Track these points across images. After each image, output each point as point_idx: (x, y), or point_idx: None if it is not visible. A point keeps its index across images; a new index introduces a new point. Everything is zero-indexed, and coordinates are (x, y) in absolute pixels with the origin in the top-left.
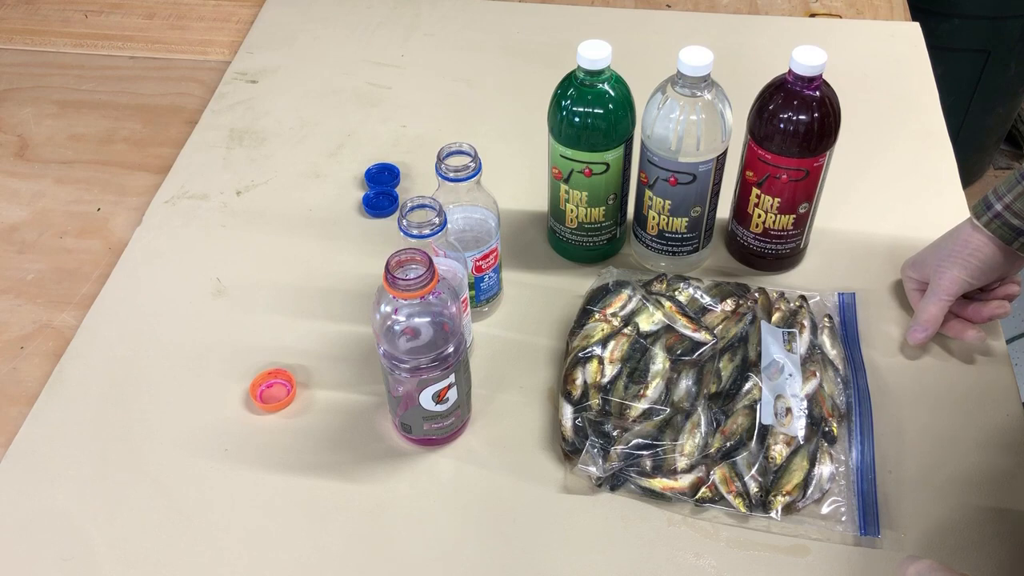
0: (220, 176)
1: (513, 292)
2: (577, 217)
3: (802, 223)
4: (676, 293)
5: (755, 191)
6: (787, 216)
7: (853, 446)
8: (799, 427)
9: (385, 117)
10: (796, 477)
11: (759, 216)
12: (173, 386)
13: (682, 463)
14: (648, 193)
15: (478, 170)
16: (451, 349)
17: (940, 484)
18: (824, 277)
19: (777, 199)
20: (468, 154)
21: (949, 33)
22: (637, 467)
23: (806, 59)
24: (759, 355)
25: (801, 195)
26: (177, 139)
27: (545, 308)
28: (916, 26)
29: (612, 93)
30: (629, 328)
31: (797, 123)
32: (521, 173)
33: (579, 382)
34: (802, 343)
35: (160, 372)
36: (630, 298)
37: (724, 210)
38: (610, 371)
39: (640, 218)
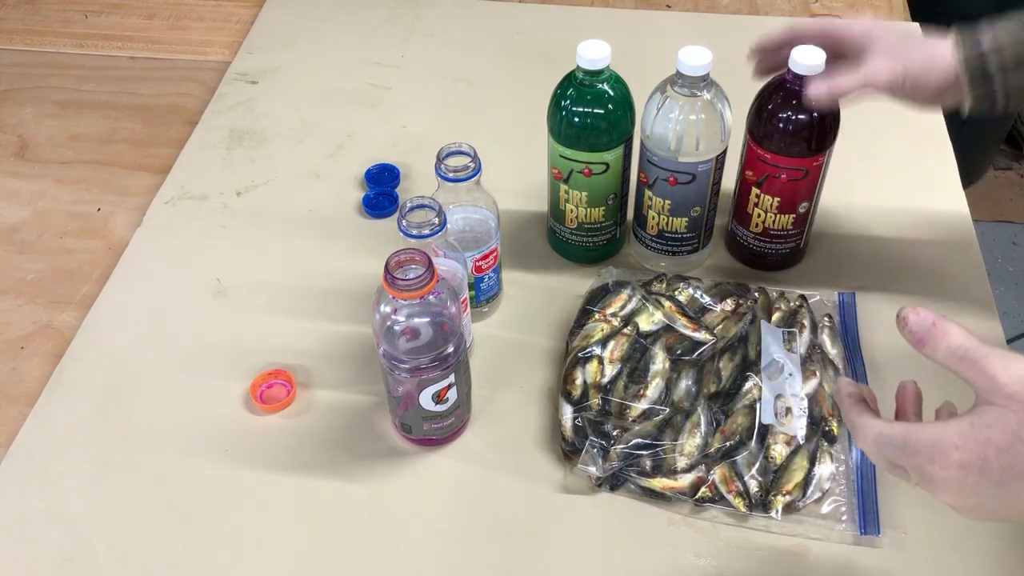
0: (220, 176)
1: (513, 292)
2: (577, 217)
3: (802, 223)
4: (676, 293)
5: (755, 191)
6: (787, 216)
7: (853, 445)
8: (799, 427)
9: (385, 117)
10: (796, 477)
11: (759, 216)
12: (173, 386)
13: (682, 463)
14: (648, 193)
15: (478, 170)
16: (451, 349)
17: None
18: (824, 277)
19: (777, 199)
20: (468, 154)
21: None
22: (637, 467)
23: (805, 59)
24: (759, 355)
25: (801, 194)
26: (177, 139)
27: (545, 308)
28: (916, 27)
29: (611, 93)
30: (629, 328)
31: (796, 122)
32: (521, 173)
33: (579, 382)
34: (802, 343)
35: (160, 372)
36: (630, 298)
37: (725, 210)
38: (610, 371)
39: (640, 218)
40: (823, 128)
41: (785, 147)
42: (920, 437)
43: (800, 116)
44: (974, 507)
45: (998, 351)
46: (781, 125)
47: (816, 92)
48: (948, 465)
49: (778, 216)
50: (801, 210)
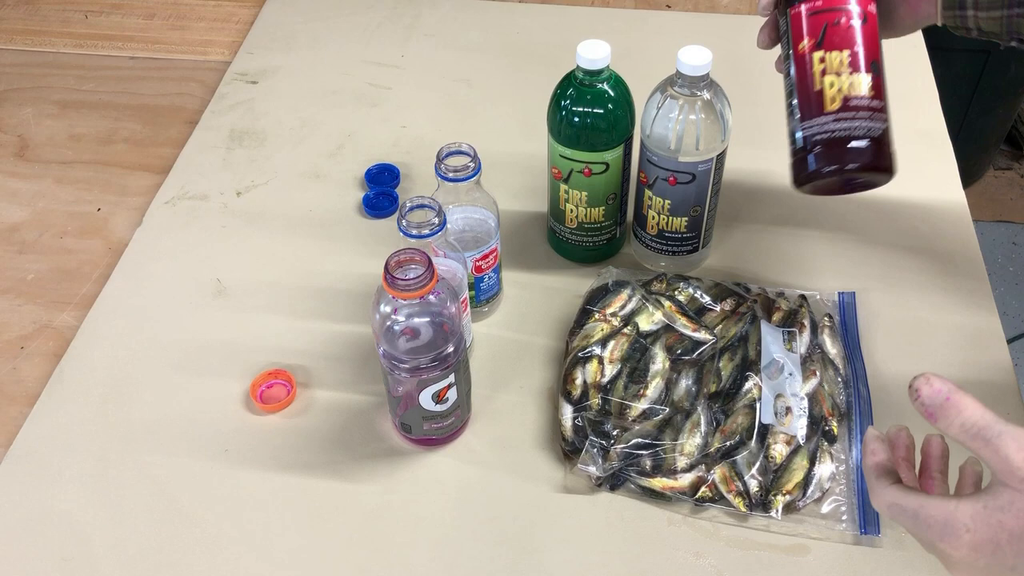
0: (220, 176)
1: (513, 292)
2: (577, 217)
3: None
4: (676, 293)
5: (815, 53)
6: (860, 76)
7: (853, 445)
8: (799, 426)
9: (385, 117)
10: (796, 476)
11: (831, 83)
12: (173, 386)
13: (682, 463)
14: (648, 193)
15: (477, 170)
16: (451, 349)
17: None
18: (824, 277)
19: (837, 53)
20: (468, 154)
21: (949, 33)
22: (637, 467)
23: None
24: (759, 354)
25: (867, 42)
26: (177, 139)
27: (545, 308)
28: None
29: (611, 93)
30: (629, 328)
31: None
32: (521, 173)
33: (579, 382)
34: (802, 342)
35: (160, 372)
36: (630, 298)
37: (726, 210)
38: (610, 371)
39: (640, 218)
40: None
41: None
42: (932, 513)
43: None
44: None
45: (1013, 430)
46: None
47: None
48: (959, 546)
49: (850, 77)
50: (872, 69)
